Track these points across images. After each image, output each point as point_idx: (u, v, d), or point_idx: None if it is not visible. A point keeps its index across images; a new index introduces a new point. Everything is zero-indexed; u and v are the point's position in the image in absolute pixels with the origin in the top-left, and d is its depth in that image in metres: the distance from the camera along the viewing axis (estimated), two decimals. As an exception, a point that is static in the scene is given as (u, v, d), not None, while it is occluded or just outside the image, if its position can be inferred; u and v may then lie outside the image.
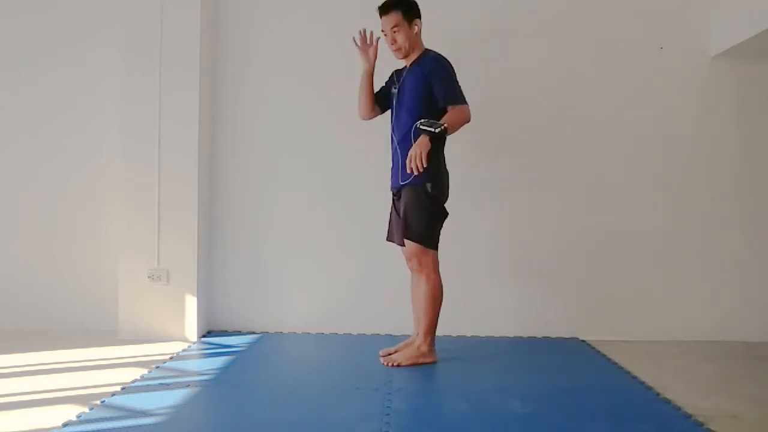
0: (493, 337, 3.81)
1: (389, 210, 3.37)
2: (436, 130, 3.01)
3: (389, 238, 3.39)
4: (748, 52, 3.70)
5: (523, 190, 3.86)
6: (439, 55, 3.21)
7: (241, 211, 3.90)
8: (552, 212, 3.86)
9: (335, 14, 3.87)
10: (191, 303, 3.65)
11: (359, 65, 3.86)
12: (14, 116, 3.91)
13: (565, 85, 3.85)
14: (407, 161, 3.05)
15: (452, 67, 3.18)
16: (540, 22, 3.86)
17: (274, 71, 3.88)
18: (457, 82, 3.17)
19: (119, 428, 2.29)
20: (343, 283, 3.88)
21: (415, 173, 3.04)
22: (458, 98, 3.13)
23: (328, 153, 3.88)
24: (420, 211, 3.14)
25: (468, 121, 3.15)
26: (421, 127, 3.03)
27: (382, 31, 3.24)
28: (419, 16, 3.22)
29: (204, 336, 3.74)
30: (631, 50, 3.86)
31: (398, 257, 3.41)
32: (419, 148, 3.02)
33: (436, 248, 3.18)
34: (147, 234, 3.63)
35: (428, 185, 3.13)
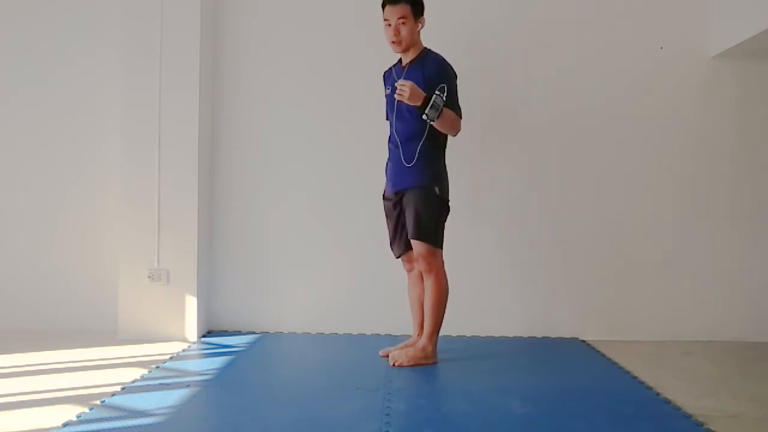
0: (493, 337, 3.81)
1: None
2: (428, 118, 3.00)
3: (398, 255, 3.34)
4: (747, 52, 3.70)
5: (524, 190, 3.86)
6: (444, 59, 3.17)
7: (241, 211, 3.89)
8: (552, 212, 3.86)
9: (335, 15, 3.87)
10: (191, 303, 3.65)
11: (358, 66, 3.87)
12: (14, 117, 3.91)
13: (564, 85, 3.85)
14: (400, 88, 3.00)
15: (455, 76, 3.15)
16: (539, 22, 3.86)
17: (274, 72, 3.88)
18: (457, 93, 3.15)
19: (119, 428, 2.29)
20: (343, 283, 3.88)
21: (403, 93, 2.99)
22: (457, 111, 3.12)
23: (328, 153, 3.88)
24: (429, 213, 3.14)
25: (455, 131, 3.14)
26: (428, 110, 2.98)
27: (385, 20, 3.17)
28: (423, 15, 3.21)
29: (204, 336, 3.74)
30: (631, 50, 3.85)
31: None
32: (414, 91, 2.98)
33: (442, 248, 3.19)
34: (147, 234, 3.63)
35: (435, 188, 3.14)
